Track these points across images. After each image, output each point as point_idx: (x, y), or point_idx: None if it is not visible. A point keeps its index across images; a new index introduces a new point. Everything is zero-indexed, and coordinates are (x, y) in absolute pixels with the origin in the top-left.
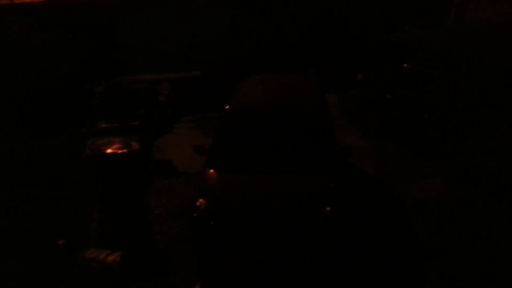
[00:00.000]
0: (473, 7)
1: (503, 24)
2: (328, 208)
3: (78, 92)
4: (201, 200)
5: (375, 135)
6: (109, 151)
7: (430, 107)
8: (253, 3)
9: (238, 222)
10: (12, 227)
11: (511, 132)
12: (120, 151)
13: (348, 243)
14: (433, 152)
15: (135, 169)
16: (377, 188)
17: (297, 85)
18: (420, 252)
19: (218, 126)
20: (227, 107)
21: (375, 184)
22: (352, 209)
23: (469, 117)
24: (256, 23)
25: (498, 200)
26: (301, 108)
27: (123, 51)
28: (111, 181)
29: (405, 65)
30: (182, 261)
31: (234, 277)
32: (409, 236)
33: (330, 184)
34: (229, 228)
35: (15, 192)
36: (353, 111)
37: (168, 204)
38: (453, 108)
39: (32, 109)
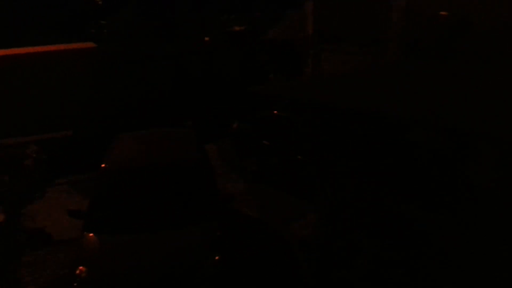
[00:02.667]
0: (324, 58)
1: (350, 73)
2: (217, 257)
3: None
4: (80, 267)
5: (254, 180)
6: None
7: (301, 149)
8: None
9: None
10: None
11: (369, 169)
12: None
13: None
14: (306, 192)
15: (2, 242)
16: (262, 230)
17: (174, 138)
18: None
19: (94, 187)
20: (102, 166)
21: (259, 226)
22: (241, 254)
23: (331, 157)
24: (120, 80)
25: (363, 230)
26: (178, 161)
27: None
28: None
29: (275, 112)
30: None
31: None
32: (295, 272)
33: (216, 233)
34: None
35: None
36: (232, 159)
37: (44, 277)
38: (318, 150)
39: None
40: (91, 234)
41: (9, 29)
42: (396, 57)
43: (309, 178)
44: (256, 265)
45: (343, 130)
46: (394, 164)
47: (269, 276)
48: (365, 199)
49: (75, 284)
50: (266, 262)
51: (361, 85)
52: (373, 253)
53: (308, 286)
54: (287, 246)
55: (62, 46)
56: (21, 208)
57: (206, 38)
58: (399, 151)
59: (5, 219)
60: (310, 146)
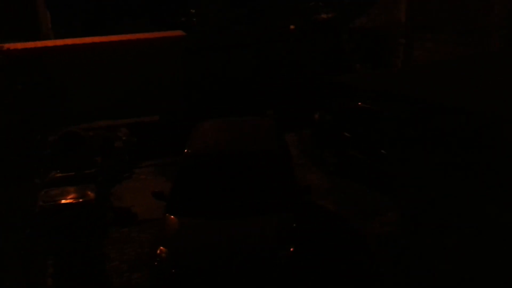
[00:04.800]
0: (417, 47)
1: (448, 62)
2: (291, 249)
3: (30, 142)
4: (161, 247)
5: (333, 173)
6: (63, 201)
7: (385, 143)
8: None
9: (200, 270)
10: None
11: (458, 166)
12: (75, 201)
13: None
14: (388, 188)
15: (92, 218)
16: (338, 224)
17: (255, 127)
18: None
19: (177, 171)
20: (185, 151)
21: (336, 221)
22: (315, 248)
23: (419, 153)
24: (209, 67)
25: (450, 232)
26: (258, 149)
27: (77, 99)
28: (66, 232)
29: (359, 103)
30: None
31: None
32: (371, 270)
33: (292, 224)
34: (191, 276)
35: None
36: (312, 150)
37: (128, 254)
38: (404, 145)
39: None
40: (172, 216)
41: (106, 17)
42: (496, 49)
43: (392, 173)
44: (330, 260)
45: (432, 125)
46: (486, 162)
47: (343, 272)
48: (453, 198)
49: (155, 263)
50: (340, 258)
51: (455, 78)
52: (457, 256)
53: (384, 287)
54: (364, 243)
55: (153, 34)
56: (111, 187)
57: (292, 26)
58: (491, 149)
59: (96, 197)
60: (396, 141)
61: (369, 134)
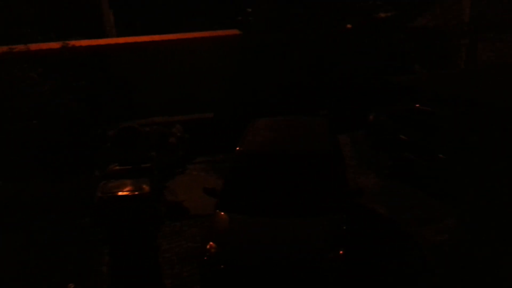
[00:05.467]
0: (483, 46)
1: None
2: (341, 251)
3: (92, 136)
4: (211, 243)
5: (388, 176)
6: (120, 193)
7: (444, 147)
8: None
9: (248, 267)
10: (23, 271)
11: None
12: (131, 194)
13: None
14: (446, 193)
15: (146, 211)
16: (391, 230)
17: (307, 127)
18: None
19: (229, 168)
20: (237, 149)
21: (388, 225)
22: (365, 252)
23: (480, 159)
24: (261, 66)
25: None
26: (311, 150)
27: (135, 95)
28: (122, 223)
29: (417, 105)
30: None
31: None
32: (425, 279)
33: (342, 226)
34: (239, 272)
35: (25, 236)
36: (365, 151)
37: (179, 247)
38: (465, 150)
39: (45, 153)
40: (222, 213)
41: (166, 17)
42: None
43: (451, 178)
44: (380, 266)
45: (495, 129)
46: None
47: (393, 279)
48: None
49: (205, 258)
50: (391, 264)
51: None
52: None
53: None
54: (418, 250)
55: (209, 33)
56: (164, 182)
57: (348, 25)
58: None
59: (150, 191)
60: (456, 145)
61: (427, 137)
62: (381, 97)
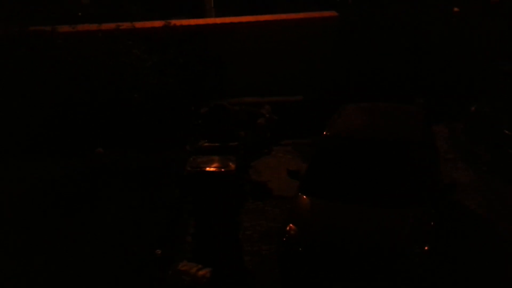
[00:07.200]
0: None
1: None
2: (426, 247)
3: (186, 112)
4: (291, 225)
5: (486, 172)
6: (207, 169)
7: None
8: (353, 31)
9: (326, 252)
10: (114, 236)
11: None
12: (218, 170)
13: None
14: None
15: (231, 188)
16: (485, 229)
17: (401, 114)
18: None
19: (314, 152)
20: (324, 133)
21: (482, 225)
22: (453, 251)
23: None
24: (356, 49)
25: None
26: (403, 139)
27: (228, 75)
28: (207, 198)
29: None
30: (269, 285)
31: None
32: None
33: (430, 221)
34: (317, 257)
35: (119, 202)
36: (463, 145)
37: (260, 226)
38: None
39: (142, 125)
40: (304, 196)
41: None
42: None
43: None
44: (469, 267)
45: None
46: None
47: (484, 283)
48: None
49: (284, 239)
50: (482, 267)
51: None
52: None
53: None
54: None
55: (305, 14)
56: (250, 161)
57: (456, 9)
58: None
59: (236, 169)
60: None
61: None
62: (488, 87)
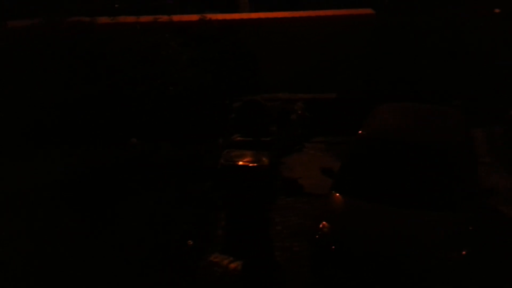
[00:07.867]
0: None
1: None
2: (463, 252)
3: (219, 106)
4: (324, 222)
5: None
6: (240, 163)
7: None
8: (390, 29)
9: (360, 252)
10: (148, 225)
11: None
12: (250, 165)
13: None
14: None
15: (263, 183)
16: None
17: (438, 116)
18: None
19: (349, 151)
20: (359, 132)
21: None
22: (490, 257)
23: None
24: (393, 49)
25: None
26: (440, 141)
27: (261, 70)
28: (239, 192)
29: None
30: (299, 281)
31: None
32: None
33: (468, 226)
34: (350, 256)
35: (152, 194)
36: (502, 149)
37: (290, 222)
38: None
39: (176, 118)
40: (338, 194)
41: None
42: None
43: None
44: (506, 273)
45: None
46: None
47: None
48: None
49: (316, 236)
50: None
51: None
52: None
53: None
54: None
55: (341, 11)
56: (282, 157)
57: (496, 10)
58: None
59: (268, 164)
60: None
61: None
62: None
